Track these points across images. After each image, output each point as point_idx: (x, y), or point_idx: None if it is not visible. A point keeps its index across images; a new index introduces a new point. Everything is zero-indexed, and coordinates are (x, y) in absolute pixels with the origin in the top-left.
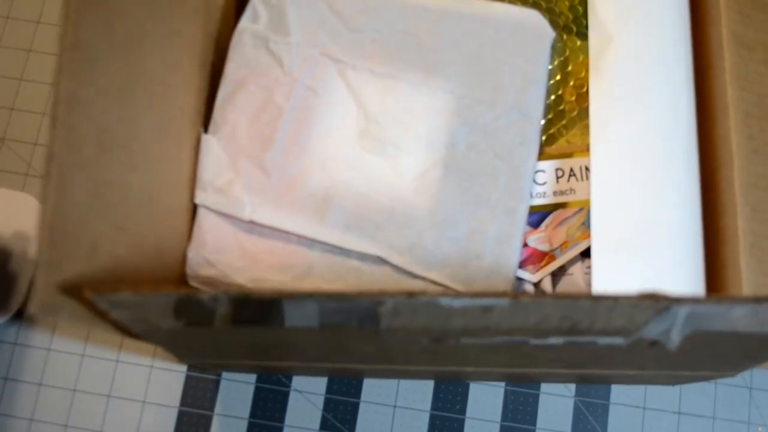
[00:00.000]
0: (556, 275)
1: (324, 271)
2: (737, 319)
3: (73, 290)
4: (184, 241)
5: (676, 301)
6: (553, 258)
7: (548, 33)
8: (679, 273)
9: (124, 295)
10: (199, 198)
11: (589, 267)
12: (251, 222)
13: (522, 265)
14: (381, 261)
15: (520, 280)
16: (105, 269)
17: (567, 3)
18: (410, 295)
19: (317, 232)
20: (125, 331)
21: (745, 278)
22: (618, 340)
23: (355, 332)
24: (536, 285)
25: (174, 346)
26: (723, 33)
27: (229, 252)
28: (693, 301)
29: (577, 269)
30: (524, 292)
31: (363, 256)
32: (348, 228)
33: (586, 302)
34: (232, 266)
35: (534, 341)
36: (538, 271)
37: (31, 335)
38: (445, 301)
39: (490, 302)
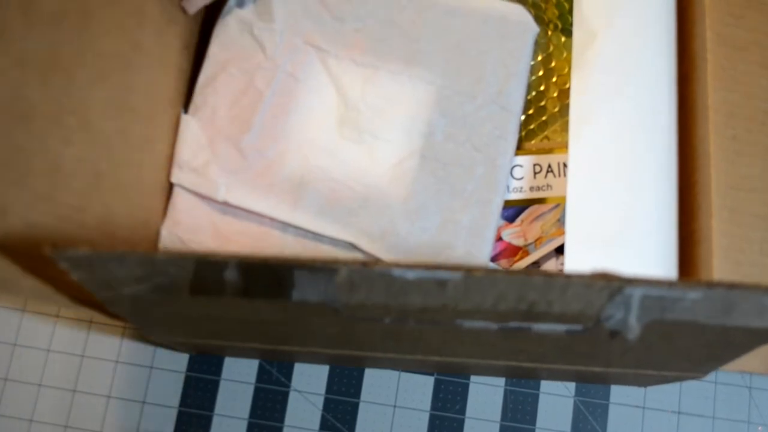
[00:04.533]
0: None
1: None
2: (692, 305)
3: None
4: (159, 219)
5: (628, 281)
6: (527, 253)
7: (532, 28)
8: (651, 272)
9: (85, 252)
10: (175, 177)
11: (563, 264)
12: (225, 203)
13: (496, 258)
14: (353, 247)
15: None
16: (16, 234)
17: None
18: (365, 264)
19: (290, 215)
20: (77, 296)
21: (717, 278)
22: (577, 327)
23: (315, 308)
24: None
25: (138, 317)
26: (707, 34)
27: (203, 232)
28: (646, 282)
29: (551, 265)
30: (477, 267)
31: (335, 242)
32: (321, 213)
33: (539, 279)
34: (204, 246)
35: (494, 326)
36: (511, 265)
37: (31, 335)
38: (397, 272)
39: (443, 275)
